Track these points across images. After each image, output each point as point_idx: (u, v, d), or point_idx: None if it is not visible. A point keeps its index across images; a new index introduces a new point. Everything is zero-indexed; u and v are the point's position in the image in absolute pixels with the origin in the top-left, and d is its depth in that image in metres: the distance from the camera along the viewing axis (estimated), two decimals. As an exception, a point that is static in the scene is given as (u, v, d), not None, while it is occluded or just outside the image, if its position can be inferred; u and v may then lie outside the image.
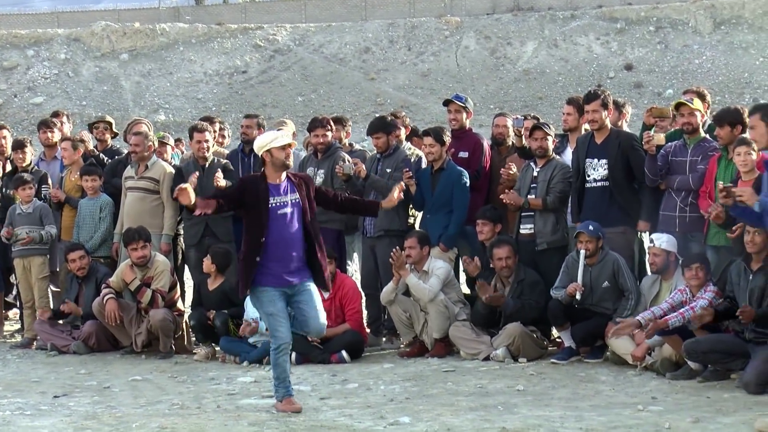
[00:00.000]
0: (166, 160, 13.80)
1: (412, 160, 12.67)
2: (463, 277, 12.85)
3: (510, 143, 12.94)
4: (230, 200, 9.39)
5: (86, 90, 59.64)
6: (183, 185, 9.22)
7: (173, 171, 13.22)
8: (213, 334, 12.44)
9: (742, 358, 9.95)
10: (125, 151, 14.05)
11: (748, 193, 9.08)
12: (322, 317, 9.42)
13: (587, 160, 11.58)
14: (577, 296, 11.13)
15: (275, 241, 9.11)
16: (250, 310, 12.03)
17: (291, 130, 13.34)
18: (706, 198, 10.82)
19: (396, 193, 9.59)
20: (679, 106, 11.34)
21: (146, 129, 13.62)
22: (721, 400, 9.44)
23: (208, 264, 12.47)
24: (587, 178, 11.58)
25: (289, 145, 9.20)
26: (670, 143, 11.32)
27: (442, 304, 11.76)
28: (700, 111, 11.27)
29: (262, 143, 9.21)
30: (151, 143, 13.36)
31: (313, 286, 9.37)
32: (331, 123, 13.26)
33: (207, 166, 13.01)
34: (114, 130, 15.07)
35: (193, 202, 9.09)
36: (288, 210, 9.15)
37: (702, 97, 11.65)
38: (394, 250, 11.76)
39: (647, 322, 10.23)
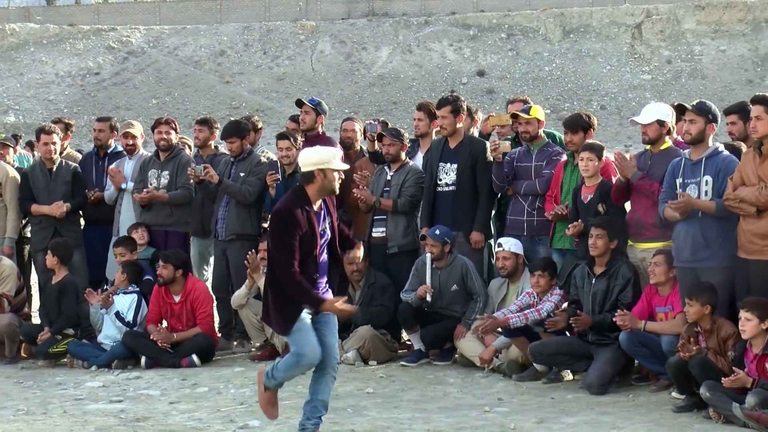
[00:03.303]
0: (9, 163, 13.54)
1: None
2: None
3: (358, 147, 13.03)
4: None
5: (-68, 90, 58.23)
6: None
7: (16, 174, 12.98)
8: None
9: (586, 360, 10.21)
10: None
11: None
12: (337, 348, 8.55)
13: (440, 164, 11.71)
14: (428, 298, 11.24)
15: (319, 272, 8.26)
16: (107, 333, 11.95)
17: (139, 131, 13.23)
18: (551, 202, 11.06)
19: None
20: (515, 116, 11.56)
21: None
22: (565, 400, 9.68)
23: (50, 259, 12.30)
24: (439, 183, 11.71)
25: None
26: (514, 150, 11.54)
27: (293, 308, 11.76)
28: (537, 118, 11.49)
29: (320, 159, 8.14)
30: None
31: (333, 316, 8.47)
32: (176, 123, 13.18)
33: (54, 169, 12.80)
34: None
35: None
36: (326, 238, 8.24)
37: (525, 102, 11.95)
38: (249, 252, 11.75)
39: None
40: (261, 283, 11.65)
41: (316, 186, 8.10)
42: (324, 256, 8.26)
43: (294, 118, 13.78)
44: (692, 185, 9.37)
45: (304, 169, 8.20)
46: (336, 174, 8.13)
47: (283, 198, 8.38)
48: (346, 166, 8.43)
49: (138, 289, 12.13)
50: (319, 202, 8.18)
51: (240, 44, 62.07)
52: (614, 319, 9.74)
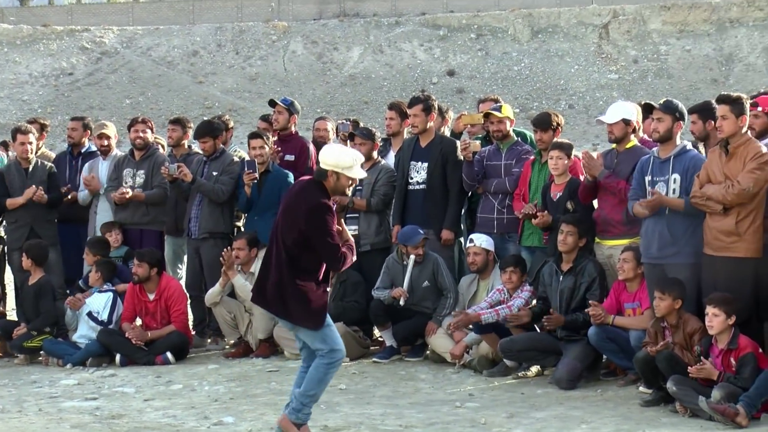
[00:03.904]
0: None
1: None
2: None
3: (331, 147, 13.12)
4: None
5: None
6: None
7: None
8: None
9: (555, 356, 10.33)
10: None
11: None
12: None
13: (411, 162, 11.80)
14: (401, 302, 11.34)
15: None
16: (82, 333, 11.99)
17: (113, 131, 13.29)
18: (520, 200, 11.16)
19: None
20: (487, 115, 11.67)
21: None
22: (535, 395, 9.78)
23: (25, 261, 12.34)
24: (410, 181, 11.81)
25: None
26: (484, 148, 11.65)
27: (267, 306, 11.81)
28: (508, 117, 11.61)
29: (338, 162, 8.15)
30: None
31: None
32: (152, 123, 13.25)
33: (30, 169, 12.85)
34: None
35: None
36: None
37: (496, 102, 12.08)
38: (225, 249, 11.81)
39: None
40: (236, 280, 11.74)
41: (328, 185, 8.18)
42: None
43: (265, 118, 13.86)
44: (661, 183, 9.48)
45: (321, 165, 8.25)
46: (350, 181, 8.21)
47: (305, 190, 8.31)
48: (364, 174, 8.51)
49: (114, 288, 12.17)
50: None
51: (213, 44, 61.95)
52: (587, 311, 9.86)
